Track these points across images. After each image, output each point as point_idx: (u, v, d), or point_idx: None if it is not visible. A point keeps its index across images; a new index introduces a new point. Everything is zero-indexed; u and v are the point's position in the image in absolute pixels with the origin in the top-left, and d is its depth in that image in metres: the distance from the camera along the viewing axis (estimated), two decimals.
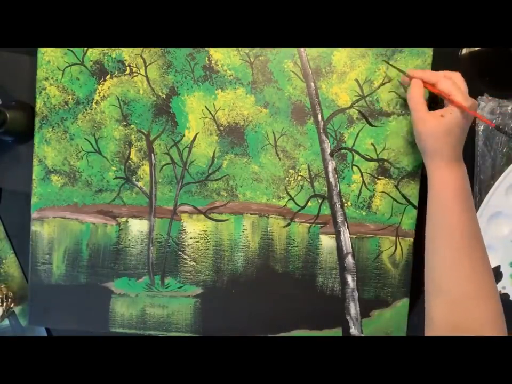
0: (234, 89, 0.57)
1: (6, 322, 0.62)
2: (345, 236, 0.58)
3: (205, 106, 0.57)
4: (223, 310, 0.59)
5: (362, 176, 0.58)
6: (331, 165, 0.58)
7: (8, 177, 0.61)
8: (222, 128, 0.57)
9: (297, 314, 0.59)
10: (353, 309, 0.59)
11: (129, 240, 0.59)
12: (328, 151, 0.57)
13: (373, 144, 0.57)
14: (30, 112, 0.58)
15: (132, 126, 0.58)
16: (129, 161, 0.58)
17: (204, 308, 0.59)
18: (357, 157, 0.57)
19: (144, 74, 0.57)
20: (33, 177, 0.58)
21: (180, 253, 0.59)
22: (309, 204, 0.58)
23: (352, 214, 0.58)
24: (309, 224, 0.58)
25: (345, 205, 0.58)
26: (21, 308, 0.62)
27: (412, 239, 0.58)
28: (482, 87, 0.59)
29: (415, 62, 0.56)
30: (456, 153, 0.49)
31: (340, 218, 0.58)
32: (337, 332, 0.59)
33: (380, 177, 0.58)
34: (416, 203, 0.58)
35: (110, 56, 0.57)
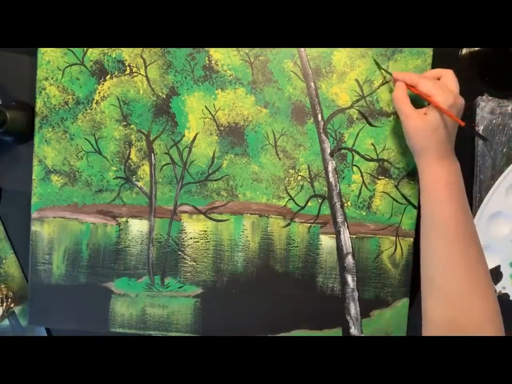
0: (234, 89, 0.57)
1: (6, 322, 0.62)
2: (345, 235, 0.58)
3: (205, 106, 0.57)
4: (223, 310, 0.59)
5: (362, 176, 0.58)
6: (331, 165, 0.58)
7: (8, 177, 0.61)
8: (222, 128, 0.57)
9: (297, 314, 0.59)
10: (353, 309, 0.59)
11: (129, 240, 0.59)
12: (328, 151, 0.57)
13: (373, 144, 0.57)
14: (30, 112, 0.58)
15: (132, 126, 0.58)
16: (129, 161, 0.58)
17: (204, 308, 0.59)
18: (357, 157, 0.57)
19: (144, 74, 0.57)
20: (33, 177, 0.58)
21: (179, 253, 0.59)
22: (309, 204, 0.58)
23: (352, 214, 0.58)
24: (309, 224, 0.58)
25: (345, 205, 0.58)
26: (21, 308, 0.62)
27: (411, 239, 0.58)
28: (482, 87, 0.59)
29: (415, 62, 0.56)
30: (445, 150, 0.49)
31: (339, 218, 0.58)
32: (337, 332, 0.59)
33: (379, 177, 0.58)
34: (416, 203, 0.58)
35: (110, 56, 0.57)
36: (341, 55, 0.56)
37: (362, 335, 0.59)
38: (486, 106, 0.58)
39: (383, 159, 0.57)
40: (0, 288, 0.60)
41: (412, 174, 0.57)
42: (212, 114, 0.57)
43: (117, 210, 0.59)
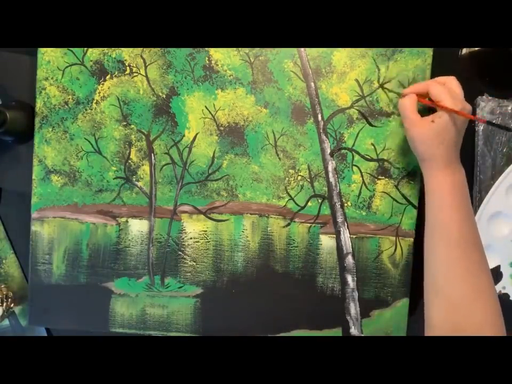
0: (234, 89, 0.57)
1: (6, 322, 0.62)
2: (345, 235, 0.58)
3: (205, 106, 0.57)
4: (223, 310, 0.59)
5: (362, 176, 0.58)
6: (331, 165, 0.58)
7: (8, 177, 0.61)
8: (222, 128, 0.57)
9: (297, 314, 0.59)
10: (353, 309, 0.59)
11: (129, 240, 0.59)
12: (328, 151, 0.57)
13: (373, 144, 0.57)
14: (30, 112, 0.58)
15: (132, 126, 0.58)
16: (129, 161, 0.58)
17: (204, 308, 0.59)
18: (357, 157, 0.57)
19: (144, 74, 0.57)
20: (33, 177, 0.58)
21: (179, 253, 0.59)
22: (309, 204, 0.58)
23: (352, 214, 0.58)
24: (309, 224, 0.58)
25: (345, 205, 0.58)
26: (21, 308, 0.62)
27: (411, 239, 0.58)
28: (482, 87, 0.59)
29: (415, 62, 0.56)
30: (451, 157, 0.49)
31: (339, 218, 0.58)
32: (337, 332, 0.59)
33: (379, 177, 0.58)
34: (416, 203, 0.58)
35: (110, 56, 0.57)
36: (341, 55, 0.56)
37: (362, 335, 0.59)
38: (486, 106, 0.58)
39: (383, 159, 0.57)
40: (0, 288, 0.60)
41: (412, 174, 0.57)
42: (211, 114, 0.57)
43: (117, 210, 0.59)
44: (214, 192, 0.58)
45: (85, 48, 0.57)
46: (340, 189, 0.58)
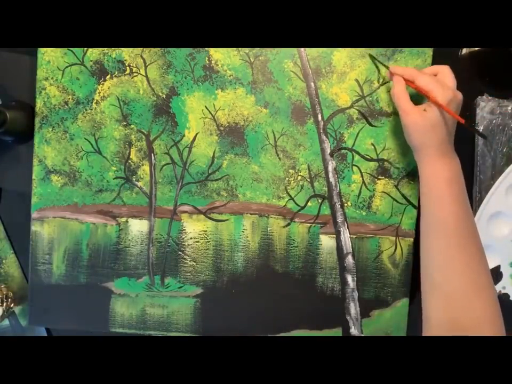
0: (234, 89, 0.57)
1: (6, 322, 0.62)
2: (345, 235, 0.58)
3: (205, 106, 0.57)
4: (223, 310, 0.59)
5: (362, 176, 0.58)
6: (331, 165, 0.58)
7: (8, 177, 0.61)
8: (222, 128, 0.57)
9: (297, 314, 0.59)
10: (353, 309, 0.59)
11: (129, 240, 0.59)
12: (328, 151, 0.57)
13: (373, 144, 0.57)
14: (30, 112, 0.58)
15: (132, 126, 0.58)
16: (129, 161, 0.58)
17: (204, 308, 0.59)
18: (357, 157, 0.57)
19: (144, 74, 0.57)
20: (33, 177, 0.58)
21: (180, 253, 0.59)
22: (309, 204, 0.58)
23: (352, 214, 0.58)
24: (309, 224, 0.58)
25: (345, 205, 0.58)
26: (21, 308, 0.62)
27: (411, 239, 0.58)
28: (482, 87, 0.59)
29: (415, 62, 0.56)
30: (445, 146, 0.48)
31: (339, 218, 0.58)
32: (337, 332, 0.59)
33: (380, 177, 0.58)
34: (416, 203, 0.58)
35: (110, 56, 0.57)
36: (341, 55, 0.56)
37: (362, 335, 0.59)
38: (486, 106, 0.58)
39: (383, 159, 0.57)
40: (0, 288, 0.60)
41: (412, 174, 0.57)
42: (212, 114, 0.57)
43: (117, 210, 0.59)
44: (214, 192, 0.58)
45: (85, 48, 0.57)
46: (339, 189, 0.58)
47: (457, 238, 0.47)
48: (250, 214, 0.58)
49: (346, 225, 0.58)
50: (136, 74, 0.57)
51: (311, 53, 0.56)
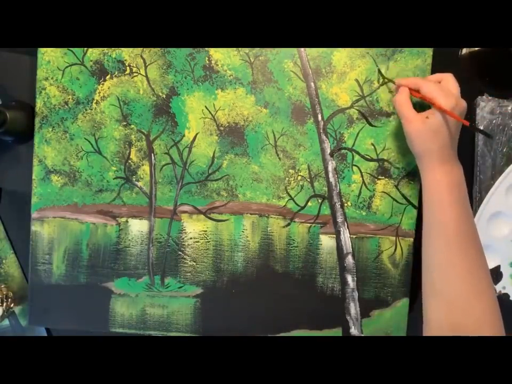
0: (234, 89, 0.57)
1: (6, 322, 0.62)
2: (345, 235, 0.58)
3: (205, 106, 0.57)
4: (223, 310, 0.59)
5: (362, 176, 0.58)
6: (331, 165, 0.58)
7: (8, 177, 0.61)
8: (222, 128, 0.57)
9: (297, 314, 0.59)
10: (353, 309, 0.59)
11: (129, 240, 0.59)
12: (328, 151, 0.57)
13: (373, 144, 0.57)
14: (30, 112, 0.58)
15: (132, 126, 0.58)
16: (129, 161, 0.58)
17: (204, 308, 0.59)
18: (357, 157, 0.57)
19: (144, 74, 0.57)
20: (33, 177, 0.58)
21: (180, 253, 0.59)
22: (309, 204, 0.58)
23: (352, 214, 0.58)
24: (309, 224, 0.58)
25: (345, 205, 0.58)
26: (21, 308, 0.62)
27: (411, 239, 0.58)
28: (482, 87, 0.59)
29: (415, 62, 0.56)
30: (447, 154, 0.49)
31: (339, 218, 0.58)
32: (337, 332, 0.59)
33: (379, 177, 0.58)
34: (416, 203, 0.58)
35: (110, 56, 0.57)
36: (341, 55, 0.56)
37: (362, 335, 0.59)
38: (486, 106, 0.58)
39: (383, 159, 0.57)
40: (0, 288, 0.60)
41: (412, 174, 0.57)
42: (211, 114, 0.57)
43: (117, 210, 0.59)
44: (214, 192, 0.58)
45: (85, 48, 0.57)
46: (340, 189, 0.58)
47: (458, 244, 0.47)
48: (250, 214, 0.58)
49: (346, 225, 0.58)
50: (136, 74, 0.57)
51: (311, 53, 0.56)
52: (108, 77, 0.57)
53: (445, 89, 0.49)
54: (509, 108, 0.58)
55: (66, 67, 0.57)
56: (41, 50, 0.56)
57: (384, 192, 0.58)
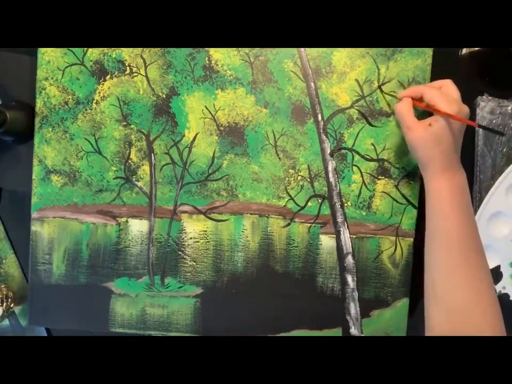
0: (234, 89, 0.57)
1: (6, 322, 0.62)
2: (345, 235, 0.58)
3: (205, 106, 0.57)
4: (223, 310, 0.59)
5: (362, 176, 0.58)
6: (331, 165, 0.58)
7: (8, 177, 0.61)
8: (222, 128, 0.57)
9: (297, 314, 0.59)
10: (353, 309, 0.59)
11: (129, 240, 0.59)
12: (328, 151, 0.57)
13: (373, 144, 0.57)
14: (30, 112, 0.58)
15: (132, 126, 0.58)
16: (129, 161, 0.58)
17: (204, 307, 0.59)
18: (357, 157, 0.57)
19: (144, 74, 0.57)
20: (33, 177, 0.58)
21: (180, 253, 0.59)
22: (309, 204, 0.58)
23: (352, 214, 0.58)
24: (309, 224, 0.58)
25: (345, 205, 0.58)
26: (21, 308, 0.62)
27: (412, 239, 0.58)
28: (482, 87, 0.59)
29: (415, 62, 0.56)
30: (451, 161, 0.48)
31: (339, 218, 0.58)
32: (337, 332, 0.59)
33: (379, 177, 0.58)
34: (416, 203, 0.58)
35: (110, 56, 0.57)
36: (341, 55, 0.56)
37: (362, 335, 0.59)
38: (486, 106, 0.58)
39: (383, 159, 0.57)
40: (0, 288, 0.60)
41: (412, 174, 0.57)
42: (211, 114, 0.57)
43: (117, 210, 0.59)
44: (214, 192, 0.58)
45: (85, 48, 0.57)
46: (340, 189, 0.58)
47: (460, 251, 0.47)
48: (250, 214, 0.58)
49: (346, 225, 0.58)
50: (136, 74, 0.57)
51: (311, 53, 0.56)
52: (108, 77, 0.57)
53: (446, 95, 0.49)
54: (509, 107, 0.58)
55: (66, 67, 0.57)
56: (41, 50, 0.56)
57: (384, 192, 0.58)
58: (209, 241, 0.59)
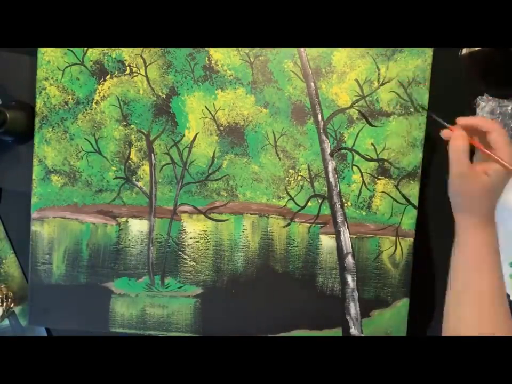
0: (234, 89, 0.57)
1: (6, 322, 0.62)
2: (345, 235, 0.58)
3: (205, 106, 0.57)
4: (223, 310, 0.59)
5: (362, 176, 0.58)
6: (331, 165, 0.58)
7: (8, 177, 0.61)
8: (222, 128, 0.57)
9: (297, 314, 0.59)
10: (353, 309, 0.59)
11: (129, 240, 0.59)
12: (328, 151, 0.57)
13: (373, 144, 0.57)
14: (30, 112, 0.58)
15: (132, 126, 0.58)
16: (129, 161, 0.58)
17: (204, 307, 0.59)
18: (357, 157, 0.57)
19: (144, 74, 0.57)
20: (33, 177, 0.58)
21: (180, 253, 0.59)
22: (309, 204, 0.58)
23: (352, 214, 0.58)
24: (309, 224, 0.58)
25: (345, 205, 0.58)
26: (21, 308, 0.62)
27: (411, 239, 0.58)
28: (482, 87, 0.59)
29: (415, 62, 0.56)
30: (491, 213, 0.46)
31: (339, 218, 0.58)
32: (337, 332, 0.59)
33: (379, 177, 0.58)
34: (416, 203, 0.58)
35: (110, 56, 0.57)
36: (341, 55, 0.56)
37: (362, 335, 0.59)
38: (486, 106, 0.58)
39: (383, 159, 0.57)
40: (0, 288, 0.60)
41: (412, 174, 0.57)
42: (211, 114, 0.57)
43: (117, 210, 0.59)
44: (214, 192, 0.58)
45: (85, 48, 0.57)
46: (340, 189, 0.58)
47: (490, 308, 0.44)
48: (250, 214, 0.58)
49: (346, 225, 0.58)
50: (136, 74, 0.57)
51: (311, 53, 0.56)
52: (107, 77, 0.57)
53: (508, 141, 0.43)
54: (509, 107, 0.58)
55: (66, 67, 0.57)
56: (41, 50, 0.56)
57: (384, 192, 0.58)
58: (209, 241, 0.59)
